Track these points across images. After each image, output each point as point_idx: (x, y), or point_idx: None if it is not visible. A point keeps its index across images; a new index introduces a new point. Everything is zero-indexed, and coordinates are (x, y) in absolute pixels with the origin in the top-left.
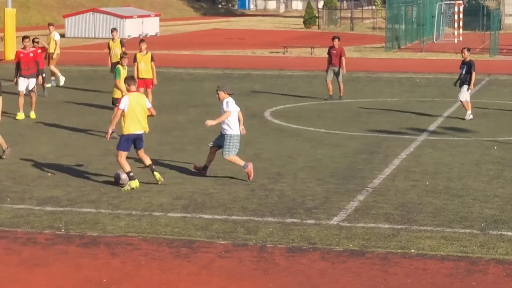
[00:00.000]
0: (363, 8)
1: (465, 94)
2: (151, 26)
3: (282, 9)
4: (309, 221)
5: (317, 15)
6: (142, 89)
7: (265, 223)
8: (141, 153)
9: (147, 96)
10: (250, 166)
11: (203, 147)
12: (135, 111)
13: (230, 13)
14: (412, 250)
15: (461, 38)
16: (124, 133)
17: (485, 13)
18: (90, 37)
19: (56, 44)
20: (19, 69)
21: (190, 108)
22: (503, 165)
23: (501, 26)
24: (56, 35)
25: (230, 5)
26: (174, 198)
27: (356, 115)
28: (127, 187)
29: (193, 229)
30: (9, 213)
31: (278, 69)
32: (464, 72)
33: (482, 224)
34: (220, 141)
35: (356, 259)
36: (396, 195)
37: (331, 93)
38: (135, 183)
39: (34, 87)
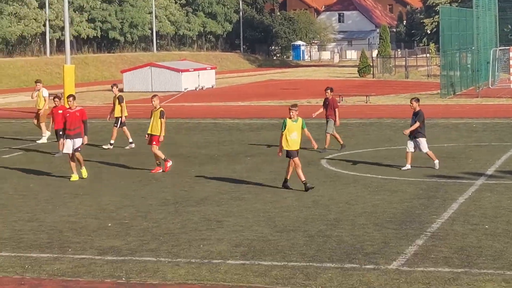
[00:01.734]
0: (417, 56)
1: (425, 146)
2: (207, 79)
3: (336, 59)
4: (368, 266)
5: (371, 64)
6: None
7: (324, 268)
8: None
9: (152, 151)
10: None
11: (261, 195)
12: None
13: (285, 64)
14: None
15: None
16: None
17: None
18: (147, 91)
19: (45, 101)
20: (64, 130)
21: (248, 157)
22: None
23: None
24: (44, 91)
25: (284, 56)
26: (233, 245)
27: (414, 161)
28: None
29: (252, 275)
30: (70, 263)
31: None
32: (412, 123)
33: None
34: None
35: None
36: (455, 239)
37: (341, 142)
38: None
39: (79, 147)
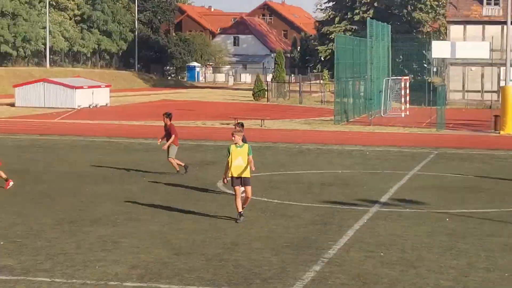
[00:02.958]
0: (311, 82)
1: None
2: (101, 96)
3: (231, 81)
4: None
5: (266, 88)
6: None
7: None
8: None
9: None
10: None
11: (157, 216)
12: None
13: (180, 85)
14: None
15: (408, 113)
16: None
17: (431, 89)
18: (40, 106)
19: None
20: None
21: (143, 177)
22: (456, 236)
23: (447, 101)
24: None
25: (179, 77)
26: (129, 267)
27: (309, 186)
28: None
29: None
30: None
31: (229, 140)
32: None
33: None
34: None
35: None
36: (352, 266)
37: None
38: None
39: None
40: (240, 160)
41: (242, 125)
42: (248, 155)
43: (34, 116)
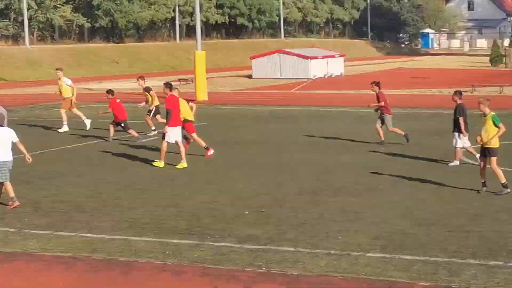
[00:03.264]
0: None
1: (456, 141)
2: (336, 66)
3: (466, 47)
4: None
5: (503, 53)
6: None
7: (467, 265)
8: None
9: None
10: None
11: (397, 186)
12: None
13: (414, 52)
14: None
15: None
16: None
17: None
18: (276, 77)
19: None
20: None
21: (382, 147)
22: None
23: None
24: (67, 81)
25: (413, 44)
26: (372, 238)
27: None
28: None
29: (394, 270)
30: (210, 250)
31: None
32: (454, 117)
33: None
34: None
35: None
36: None
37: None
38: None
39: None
40: (483, 130)
41: (460, 93)
42: (494, 124)
43: (271, 87)
